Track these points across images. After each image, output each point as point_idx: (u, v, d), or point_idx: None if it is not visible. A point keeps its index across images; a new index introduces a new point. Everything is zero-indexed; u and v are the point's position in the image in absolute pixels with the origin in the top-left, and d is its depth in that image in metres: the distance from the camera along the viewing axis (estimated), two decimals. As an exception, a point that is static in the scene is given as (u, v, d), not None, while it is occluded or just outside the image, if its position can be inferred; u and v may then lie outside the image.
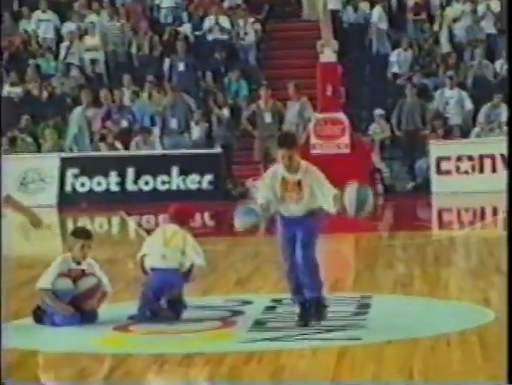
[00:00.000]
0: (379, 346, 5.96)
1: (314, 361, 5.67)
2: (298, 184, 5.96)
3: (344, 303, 7.27)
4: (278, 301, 7.19)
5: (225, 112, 17.43)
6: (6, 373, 5.50)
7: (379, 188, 16.55)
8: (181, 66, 18.61)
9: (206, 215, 14.54)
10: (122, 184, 16.86)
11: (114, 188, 16.90)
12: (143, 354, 5.90)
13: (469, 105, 17.15)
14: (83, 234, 6.84)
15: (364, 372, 5.36)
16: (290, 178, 5.96)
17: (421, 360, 5.57)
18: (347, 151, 16.31)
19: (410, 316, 6.81)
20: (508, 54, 15.72)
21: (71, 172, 16.99)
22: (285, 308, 6.93)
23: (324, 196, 6.00)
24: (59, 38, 19.99)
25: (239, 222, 5.95)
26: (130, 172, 16.85)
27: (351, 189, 5.85)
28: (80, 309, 6.71)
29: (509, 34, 15.20)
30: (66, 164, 17.03)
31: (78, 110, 17.80)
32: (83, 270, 6.78)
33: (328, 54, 16.23)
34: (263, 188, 5.96)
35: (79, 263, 6.80)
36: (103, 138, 17.44)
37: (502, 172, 16.10)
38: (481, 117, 16.87)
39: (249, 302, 7.25)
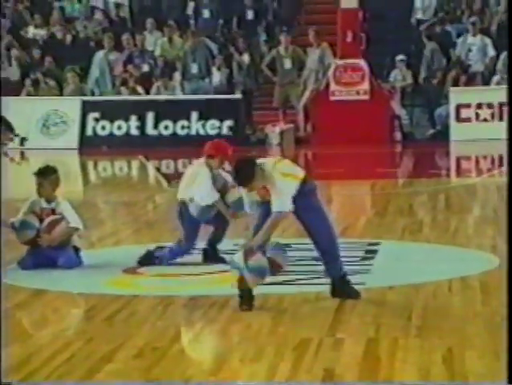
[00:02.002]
0: (382, 290, 6.06)
1: (316, 305, 5.78)
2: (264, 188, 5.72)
3: (352, 249, 7.36)
4: (287, 245, 7.29)
5: (246, 58, 17.39)
6: (13, 312, 5.67)
7: (398, 135, 16.53)
8: (206, 14, 18.53)
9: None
10: (142, 128, 16.96)
11: (134, 132, 17.02)
12: (149, 296, 6.05)
13: (491, 52, 16.97)
14: (38, 172, 7.00)
15: (365, 315, 5.47)
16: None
17: (421, 305, 5.67)
18: (367, 97, 16.27)
19: (415, 262, 6.89)
20: (508, 46, 15.49)
21: (92, 116, 17.10)
22: (292, 252, 7.03)
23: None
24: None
25: None
26: (150, 116, 16.93)
27: None
28: (40, 243, 6.82)
29: (509, 28, 15.00)
30: (87, 107, 17.14)
31: (100, 54, 17.84)
32: (53, 210, 6.93)
33: (349, -1, 16.12)
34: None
35: (48, 202, 6.94)
36: (124, 82, 17.50)
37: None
38: (500, 64, 16.71)
39: (259, 247, 7.35)
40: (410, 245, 7.63)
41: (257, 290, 5.96)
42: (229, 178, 6.87)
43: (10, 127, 6.81)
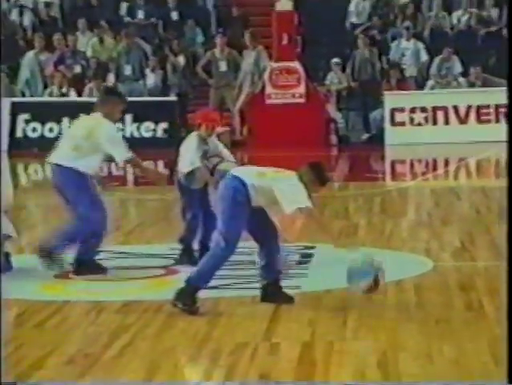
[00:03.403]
0: (318, 294, 6.05)
1: (251, 309, 5.74)
2: None
3: (288, 253, 7.33)
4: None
5: (181, 60, 17.30)
6: None
7: (334, 138, 16.61)
8: (140, 14, 18.39)
9: (160, 163, 14.49)
10: (75, 130, 16.69)
11: (66, 134, 16.75)
12: (81, 302, 5.93)
13: (424, 56, 17.22)
14: None
15: (300, 319, 5.45)
16: None
17: (356, 309, 5.67)
18: (303, 100, 16.33)
19: (350, 266, 6.87)
20: (508, 47, 15.77)
21: (22, 118, 16.80)
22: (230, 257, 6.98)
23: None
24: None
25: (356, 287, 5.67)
26: (83, 118, 16.68)
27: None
28: None
29: (509, 28, 15.27)
30: (17, 108, 16.82)
31: (30, 54, 17.55)
32: None
33: (284, 2, 16.17)
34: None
35: None
36: (58, 84, 17.23)
37: (455, 124, 16.28)
38: (433, 69, 16.98)
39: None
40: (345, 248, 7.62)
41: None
42: (226, 153, 7.15)
43: (120, 95, 7.16)
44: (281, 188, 5.66)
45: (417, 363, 4.59)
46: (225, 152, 7.19)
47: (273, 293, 5.81)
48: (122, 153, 6.77)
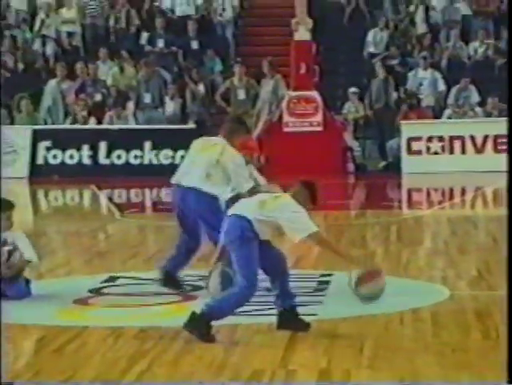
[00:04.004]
0: (334, 322, 6.07)
1: (268, 336, 5.77)
2: None
3: (305, 280, 7.37)
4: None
5: (200, 88, 17.45)
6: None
7: (351, 166, 16.67)
8: (161, 43, 18.59)
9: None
10: (94, 157, 16.88)
11: (86, 161, 16.92)
12: (99, 327, 5.98)
13: (441, 86, 17.29)
14: None
15: (316, 347, 5.47)
16: None
17: (373, 337, 5.69)
18: (320, 129, 16.42)
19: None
20: (508, 50, 15.82)
21: (43, 145, 16.98)
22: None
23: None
24: (35, 10, 19.87)
25: None
26: (103, 145, 16.86)
27: None
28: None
29: (509, 31, 15.27)
30: (38, 136, 17.01)
31: (52, 82, 17.76)
32: (6, 241, 6.83)
33: (302, 32, 16.32)
34: None
35: None
36: (79, 112, 17.40)
37: (472, 153, 16.32)
38: (450, 99, 17.05)
39: (211, 277, 7.33)
40: (362, 276, 7.63)
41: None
42: (260, 179, 7.23)
43: (247, 128, 7.28)
44: (285, 218, 5.63)
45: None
46: (259, 178, 7.26)
47: (289, 320, 5.83)
48: (246, 182, 6.80)
